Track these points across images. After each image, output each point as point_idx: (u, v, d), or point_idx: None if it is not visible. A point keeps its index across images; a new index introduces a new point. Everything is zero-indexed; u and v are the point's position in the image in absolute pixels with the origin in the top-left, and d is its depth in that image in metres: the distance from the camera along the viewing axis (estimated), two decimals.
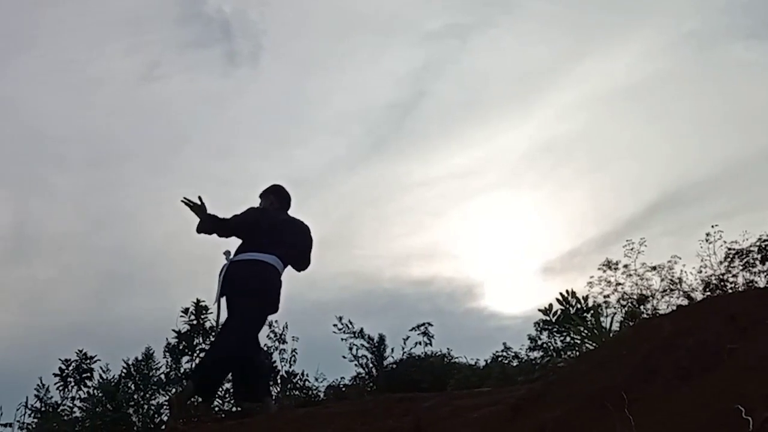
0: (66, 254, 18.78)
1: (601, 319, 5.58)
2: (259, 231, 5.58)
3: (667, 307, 13.19)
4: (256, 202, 5.95)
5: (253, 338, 5.46)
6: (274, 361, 8.23)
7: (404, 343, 9.83)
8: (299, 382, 8.27)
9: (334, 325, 9.66)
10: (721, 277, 13.41)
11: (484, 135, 21.10)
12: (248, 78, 21.28)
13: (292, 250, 5.63)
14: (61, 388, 8.00)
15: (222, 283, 5.45)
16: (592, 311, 5.82)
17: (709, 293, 12.79)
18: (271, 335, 8.44)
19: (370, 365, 9.69)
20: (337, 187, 20.70)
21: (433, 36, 20.92)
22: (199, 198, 5.50)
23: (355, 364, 9.66)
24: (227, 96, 21.57)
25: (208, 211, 5.51)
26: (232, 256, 5.54)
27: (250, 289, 5.35)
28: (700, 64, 19.65)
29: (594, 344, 4.96)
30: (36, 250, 18.34)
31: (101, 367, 7.96)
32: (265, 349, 8.24)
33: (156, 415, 7.33)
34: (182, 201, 5.50)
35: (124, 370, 7.70)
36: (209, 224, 5.53)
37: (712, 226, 13.75)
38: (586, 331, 5.30)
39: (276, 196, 5.95)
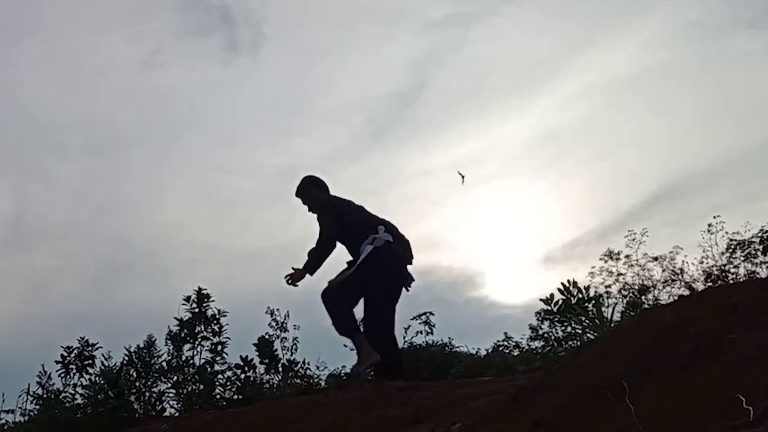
0: (67, 242, 18.81)
1: (603, 309, 5.57)
2: (359, 215, 5.81)
3: (669, 298, 13.19)
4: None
5: None
6: (276, 350, 8.24)
7: (405, 333, 9.81)
8: (300, 370, 8.28)
9: None
10: (722, 267, 13.40)
11: (485, 124, 21.06)
12: (249, 66, 21.25)
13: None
14: (62, 375, 8.01)
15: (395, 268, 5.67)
16: (593, 301, 5.81)
17: (710, 284, 12.79)
18: (273, 323, 8.45)
19: None
20: (337, 176, 20.65)
21: (435, 25, 20.88)
22: (292, 268, 5.65)
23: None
24: (228, 84, 21.54)
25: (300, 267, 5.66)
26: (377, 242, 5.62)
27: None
28: (702, 54, 19.59)
29: (595, 334, 4.96)
30: (37, 238, 18.35)
31: (103, 355, 7.97)
32: (267, 336, 8.26)
33: (158, 403, 7.35)
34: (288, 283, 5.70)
35: (126, 358, 7.70)
36: (321, 259, 5.67)
37: (714, 217, 13.73)
38: (587, 321, 5.29)
39: (318, 187, 5.96)
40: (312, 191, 5.94)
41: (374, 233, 5.62)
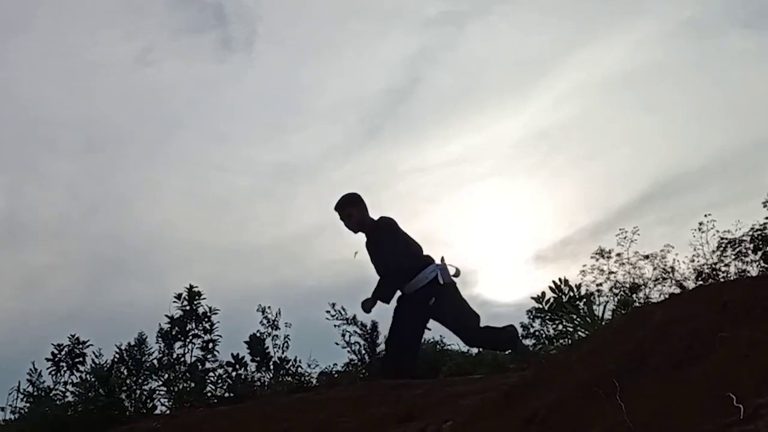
0: (60, 240, 18.75)
1: (594, 307, 5.59)
2: (415, 247, 5.96)
3: (660, 296, 13.23)
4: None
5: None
6: (267, 347, 8.23)
7: None
8: (292, 368, 8.27)
9: (327, 312, 9.65)
10: (713, 266, 13.46)
11: (479, 122, 21.09)
12: (243, 64, 21.23)
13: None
14: (53, 372, 7.99)
15: None
16: (584, 299, 5.82)
17: (701, 282, 12.83)
18: (264, 321, 8.44)
19: (363, 352, 9.69)
20: (331, 174, 20.67)
21: (429, 23, 20.88)
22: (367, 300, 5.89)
23: (348, 351, 9.66)
24: (222, 82, 21.52)
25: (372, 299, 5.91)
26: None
27: None
28: (697, 52, 19.67)
29: (586, 332, 4.97)
30: (29, 236, 18.29)
31: (94, 352, 7.95)
32: (258, 334, 8.27)
33: (148, 400, 7.34)
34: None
35: (117, 356, 7.69)
36: (394, 291, 5.87)
37: (705, 216, 13.79)
38: (578, 320, 5.30)
39: (359, 203, 6.00)
40: (361, 210, 5.93)
41: (432, 265, 5.85)
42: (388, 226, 5.89)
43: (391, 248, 5.81)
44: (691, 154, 20.94)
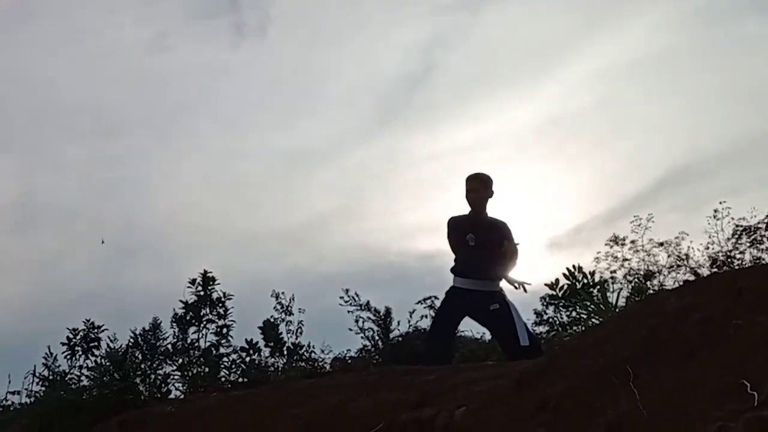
0: (74, 224, 18.86)
1: (608, 294, 5.58)
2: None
3: (674, 284, 13.16)
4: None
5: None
6: (281, 333, 8.26)
7: (410, 316, 9.83)
8: (305, 353, 8.31)
9: (341, 298, 9.67)
10: (728, 253, 13.36)
11: (492, 109, 20.99)
12: (256, 49, 21.22)
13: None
14: (68, 357, 8.06)
15: None
16: (598, 286, 5.81)
17: (715, 269, 12.75)
18: (278, 307, 8.47)
19: (376, 338, 9.71)
20: (345, 160, 20.68)
21: (443, 8, 20.78)
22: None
23: (361, 337, 9.69)
24: (235, 67, 21.51)
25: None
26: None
27: None
28: (712, 38, 19.48)
29: (600, 319, 4.97)
30: (44, 220, 18.41)
31: (109, 337, 8.01)
32: (272, 320, 8.28)
33: (163, 385, 7.39)
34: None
35: (132, 340, 7.74)
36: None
37: (720, 203, 13.67)
38: (592, 306, 5.30)
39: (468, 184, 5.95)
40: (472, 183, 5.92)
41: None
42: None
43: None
44: (706, 141, 20.76)
